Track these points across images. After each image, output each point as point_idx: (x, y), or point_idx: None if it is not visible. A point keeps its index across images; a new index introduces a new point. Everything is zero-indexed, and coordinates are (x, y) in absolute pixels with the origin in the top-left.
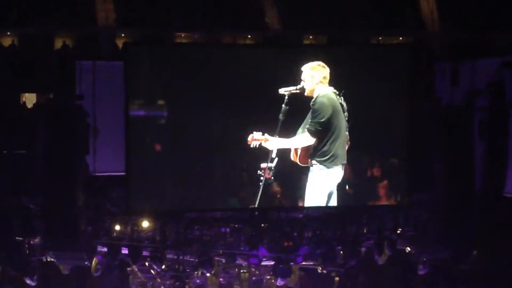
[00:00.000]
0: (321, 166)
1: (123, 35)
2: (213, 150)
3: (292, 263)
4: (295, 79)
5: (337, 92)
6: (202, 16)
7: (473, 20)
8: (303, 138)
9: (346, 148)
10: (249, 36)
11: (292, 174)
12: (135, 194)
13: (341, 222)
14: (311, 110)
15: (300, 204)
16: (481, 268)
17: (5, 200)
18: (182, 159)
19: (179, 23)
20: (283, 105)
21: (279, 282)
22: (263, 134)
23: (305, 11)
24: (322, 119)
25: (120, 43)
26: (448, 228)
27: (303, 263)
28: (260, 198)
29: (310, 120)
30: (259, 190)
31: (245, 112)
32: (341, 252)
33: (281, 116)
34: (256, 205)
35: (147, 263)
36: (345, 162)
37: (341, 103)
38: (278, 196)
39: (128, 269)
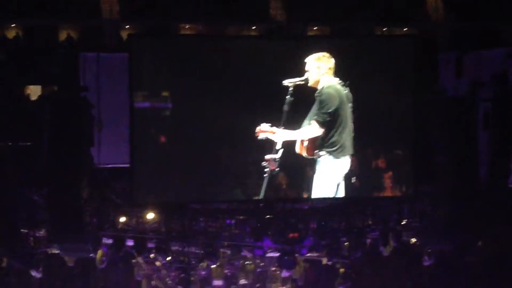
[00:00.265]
0: (330, 156)
1: (127, 27)
2: (217, 142)
3: (297, 255)
4: (300, 70)
5: (342, 83)
6: (206, 8)
7: (477, 10)
8: (311, 129)
9: None
10: (253, 28)
11: (297, 165)
12: (139, 186)
13: (346, 214)
14: (316, 101)
15: (305, 195)
16: (486, 259)
17: (10, 192)
18: (186, 150)
19: (184, 15)
20: (288, 96)
21: (284, 273)
22: (271, 126)
23: (309, 2)
24: (330, 109)
25: (124, 35)
26: (453, 219)
27: (308, 254)
28: (265, 190)
29: (317, 111)
30: (264, 182)
31: (249, 103)
32: (346, 243)
33: (285, 107)
34: (261, 197)
35: (152, 255)
36: (352, 152)
37: (346, 94)
38: (283, 187)
39: (133, 261)
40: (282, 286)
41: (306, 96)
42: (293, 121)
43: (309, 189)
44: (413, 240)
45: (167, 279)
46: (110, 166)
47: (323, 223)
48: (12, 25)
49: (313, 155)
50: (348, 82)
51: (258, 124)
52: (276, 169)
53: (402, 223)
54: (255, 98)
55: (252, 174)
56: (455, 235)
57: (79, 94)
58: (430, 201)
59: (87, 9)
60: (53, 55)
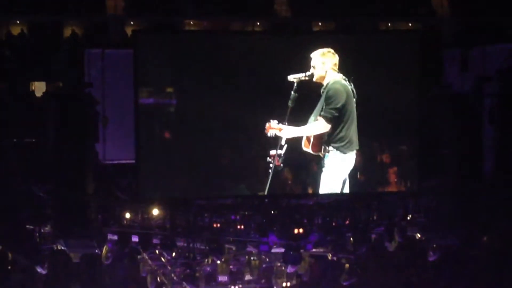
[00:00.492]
0: (338, 152)
1: (132, 23)
2: (222, 137)
3: (302, 250)
4: (304, 66)
5: (347, 79)
6: (210, 4)
7: (483, 6)
8: (318, 125)
9: None
10: (258, 23)
11: (301, 161)
12: (145, 182)
13: (351, 209)
14: (323, 97)
15: (310, 190)
16: (491, 254)
17: (16, 189)
18: (191, 146)
19: (188, 10)
20: (292, 92)
21: (289, 269)
22: (278, 123)
23: None
24: (337, 105)
25: (129, 31)
26: (458, 214)
27: (313, 250)
28: (269, 185)
29: (324, 107)
30: (268, 177)
31: (254, 99)
32: (351, 239)
33: (290, 103)
34: (265, 192)
35: (157, 251)
36: (358, 147)
37: (352, 89)
38: (289, 182)
39: (139, 256)
40: (288, 281)
41: (310, 92)
42: (298, 117)
43: (314, 184)
44: (418, 235)
45: (172, 275)
46: (115, 162)
47: (328, 218)
48: (17, 22)
49: (318, 151)
50: (352, 77)
51: (262, 120)
52: (281, 165)
53: (407, 218)
54: (259, 93)
55: (257, 170)
56: (460, 230)
57: (84, 90)
58: (435, 196)
59: (92, 6)
60: (58, 51)
